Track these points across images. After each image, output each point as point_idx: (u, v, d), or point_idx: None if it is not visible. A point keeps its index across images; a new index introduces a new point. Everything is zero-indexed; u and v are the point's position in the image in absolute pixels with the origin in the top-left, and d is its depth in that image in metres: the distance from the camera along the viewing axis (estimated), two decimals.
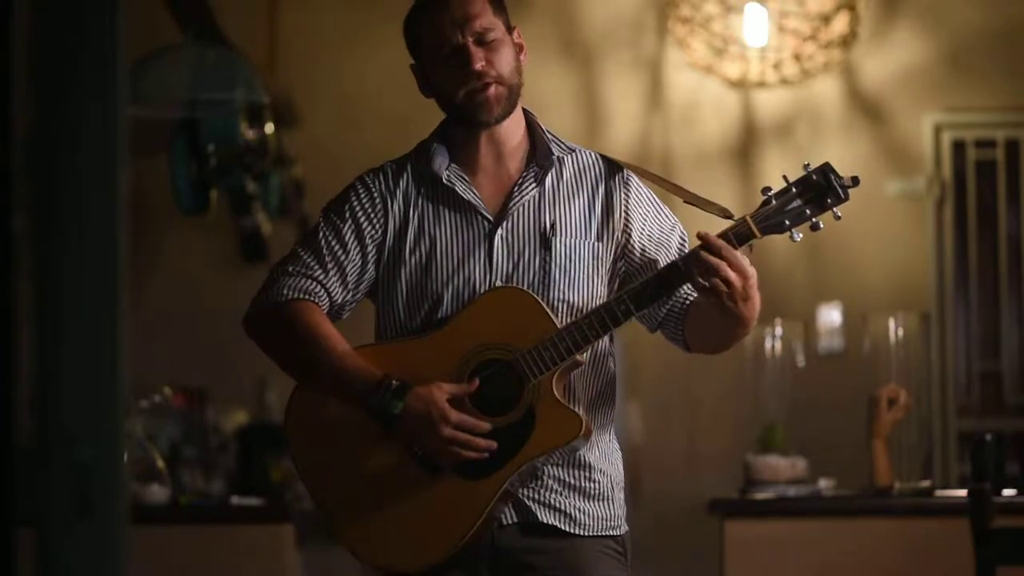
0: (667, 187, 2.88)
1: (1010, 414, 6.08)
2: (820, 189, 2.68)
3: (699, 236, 2.67)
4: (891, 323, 4.88)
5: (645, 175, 2.89)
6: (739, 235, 2.67)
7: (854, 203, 2.73)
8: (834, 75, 6.04)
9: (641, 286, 2.69)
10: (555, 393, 2.69)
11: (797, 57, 5.86)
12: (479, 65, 2.74)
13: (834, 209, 2.69)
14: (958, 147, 6.10)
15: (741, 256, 2.65)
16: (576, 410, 2.71)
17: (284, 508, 4.95)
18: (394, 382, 2.67)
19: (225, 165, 5.05)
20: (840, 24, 5.83)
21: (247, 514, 4.92)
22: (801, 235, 2.70)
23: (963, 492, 4.18)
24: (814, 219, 2.69)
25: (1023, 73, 6.08)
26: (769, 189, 2.70)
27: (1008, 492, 4.51)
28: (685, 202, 2.81)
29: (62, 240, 1.49)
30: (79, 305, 1.48)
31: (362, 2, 6.18)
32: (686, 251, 2.84)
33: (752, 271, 2.65)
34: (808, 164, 2.71)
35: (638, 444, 5.92)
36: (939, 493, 4.73)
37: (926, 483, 4.76)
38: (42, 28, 1.49)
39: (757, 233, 2.67)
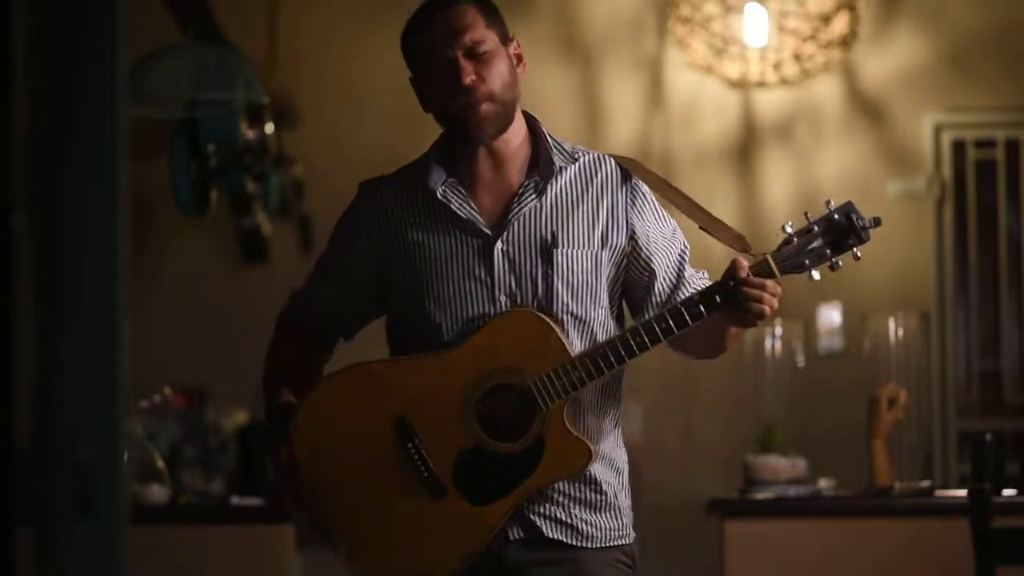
0: (685, 209, 2.78)
1: (1010, 414, 6.08)
2: (842, 230, 2.63)
3: (738, 269, 2.62)
4: (891, 323, 4.89)
5: (664, 189, 2.80)
6: (759, 274, 2.63)
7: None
8: (834, 75, 6.04)
9: (657, 318, 2.64)
10: (565, 423, 2.65)
11: (797, 57, 5.86)
12: (468, 80, 2.68)
13: (854, 249, 2.64)
14: (958, 147, 6.09)
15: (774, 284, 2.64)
16: (584, 439, 2.67)
17: (284, 508, 4.94)
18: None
19: (225, 165, 5.04)
20: (840, 24, 5.83)
21: (247, 514, 4.91)
22: (819, 275, 2.65)
23: (963, 492, 4.18)
24: (834, 259, 2.64)
25: (1023, 73, 6.08)
26: (789, 226, 2.64)
27: (1008, 492, 4.51)
28: (700, 228, 2.74)
29: (62, 240, 1.49)
30: (79, 305, 1.48)
31: (363, 2, 6.18)
32: (687, 263, 2.80)
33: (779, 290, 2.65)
34: (830, 201, 2.65)
35: (638, 444, 5.91)
36: (939, 493, 4.73)
37: (926, 483, 4.77)
38: (42, 28, 1.49)
39: (777, 274, 2.63)
